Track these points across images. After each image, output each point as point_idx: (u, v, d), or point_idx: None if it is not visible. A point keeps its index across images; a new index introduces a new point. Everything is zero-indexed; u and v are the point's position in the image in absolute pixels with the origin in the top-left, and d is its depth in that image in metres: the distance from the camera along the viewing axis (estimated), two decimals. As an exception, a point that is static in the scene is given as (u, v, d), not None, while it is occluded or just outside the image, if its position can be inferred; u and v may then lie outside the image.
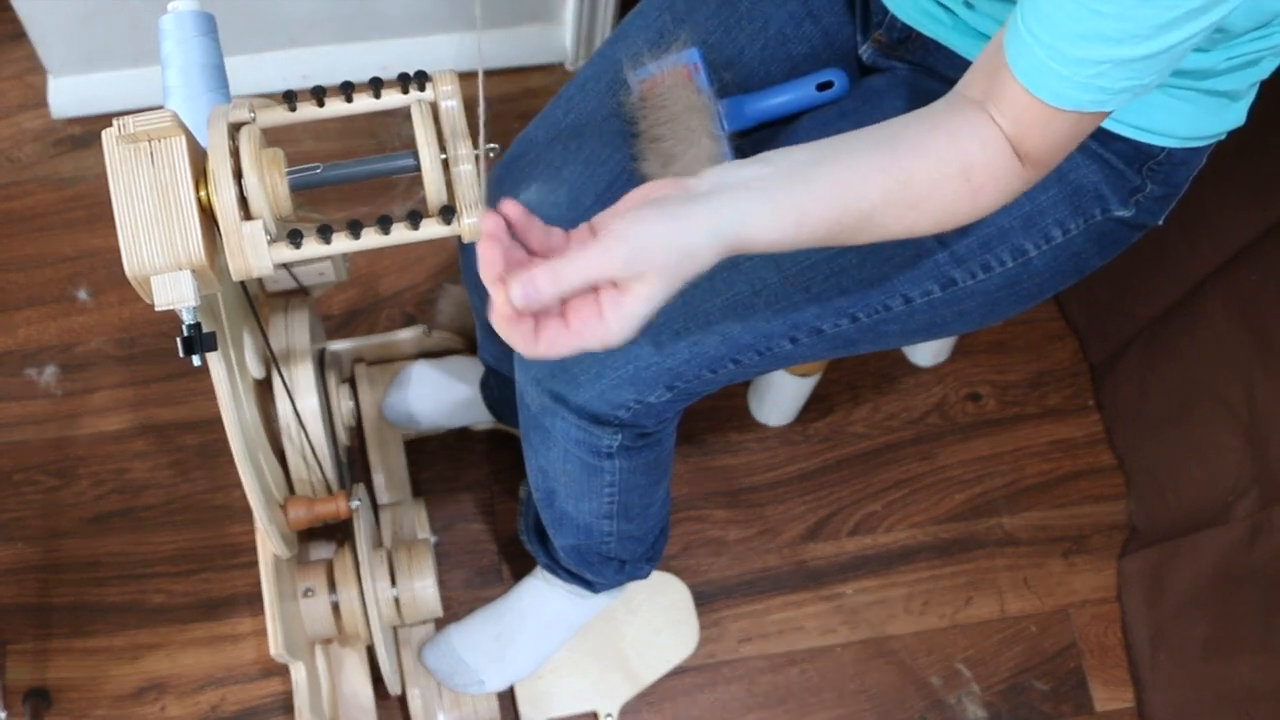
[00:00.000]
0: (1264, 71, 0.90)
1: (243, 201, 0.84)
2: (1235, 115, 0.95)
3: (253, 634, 1.55)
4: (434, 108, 0.88)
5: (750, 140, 1.09)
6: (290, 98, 0.88)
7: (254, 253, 0.83)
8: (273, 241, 0.84)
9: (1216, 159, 1.00)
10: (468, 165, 0.86)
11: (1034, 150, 0.80)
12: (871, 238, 0.82)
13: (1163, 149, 0.95)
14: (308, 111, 0.88)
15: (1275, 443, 1.35)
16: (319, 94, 0.88)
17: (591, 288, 0.73)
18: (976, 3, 0.94)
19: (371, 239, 0.86)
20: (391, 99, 0.89)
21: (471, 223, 0.86)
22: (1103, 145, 0.96)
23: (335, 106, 0.89)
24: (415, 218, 0.85)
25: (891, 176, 0.80)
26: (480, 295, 1.24)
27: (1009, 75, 0.77)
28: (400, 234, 0.86)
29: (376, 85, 0.89)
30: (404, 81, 0.88)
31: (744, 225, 0.76)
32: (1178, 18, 0.70)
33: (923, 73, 1.05)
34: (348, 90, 0.88)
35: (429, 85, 0.88)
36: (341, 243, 0.86)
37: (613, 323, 0.73)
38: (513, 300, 0.71)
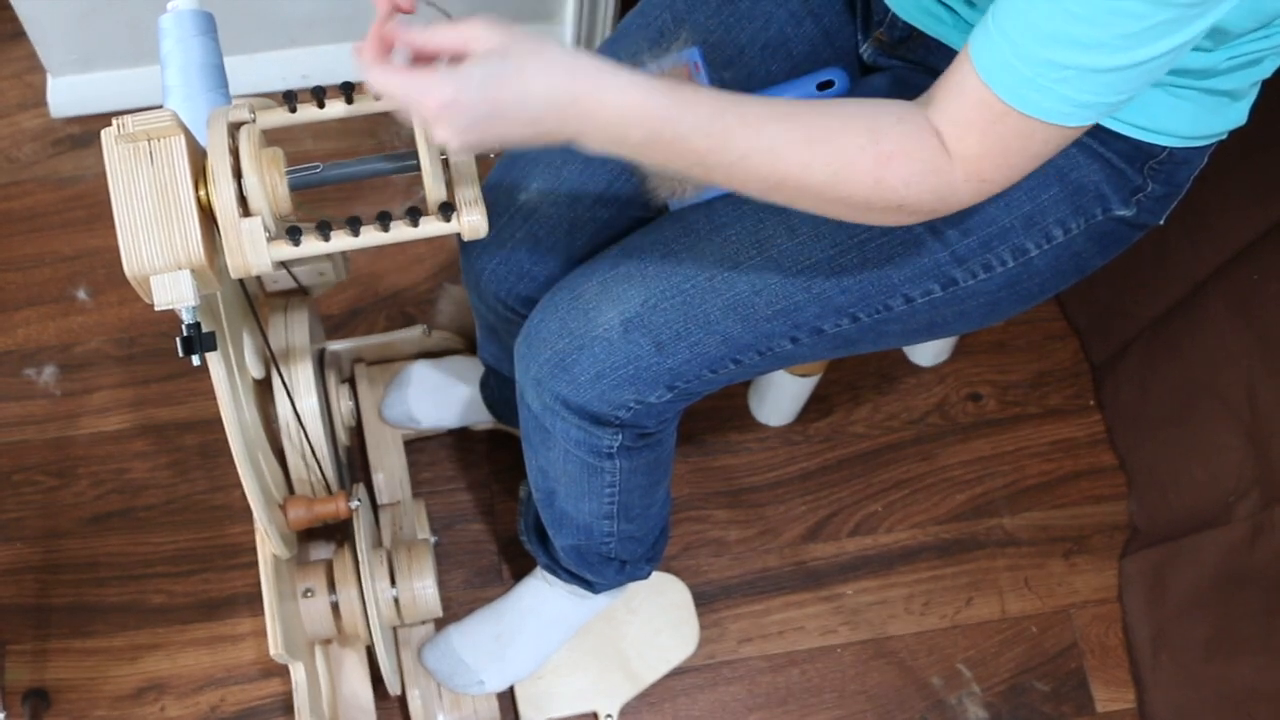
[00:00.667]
0: (1265, 71, 0.90)
1: (242, 201, 0.84)
2: (1237, 114, 0.94)
3: (252, 634, 1.54)
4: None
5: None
6: (290, 98, 0.88)
7: (253, 250, 0.83)
8: (272, 239, 0.84)
9: (1218, 158, 1.00)
10: (467, 164, 0.86)
11: (971, 154, 0.78)
12: (761, 162, 0.79)
13: (1164, 148, 0.94)
14: (308, 113, 0.88)
15: (1277, 443, 1.34)
16: (319, 95, 0.88)
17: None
18: (979, 1, 0.93)
19: (371, 236, 0.86)
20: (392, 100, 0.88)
21: (472, 220, 0.86)
22: (1103, 144, 0.96)
23: (335, 108, 0.89)
24: (415, 214, 0.85)
25: (787, 109, 0.79)
26: (479, 294, 1.23)
27: (968, 72, 0.76)
28: (400, 231, 0.86)
29: (377, 86, 0.88)
30: (404, 80, 0.88)
31: (612, 64, 0.76)
32: (1146, 29, 0.70)
33: (923, 72, 1.05)
34: (348, 91, 0.88)
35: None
36: (341, 240, 0.86)
37: (438, 76, 0.73)
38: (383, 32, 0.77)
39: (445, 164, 0.87)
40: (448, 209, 0.85)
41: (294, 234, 0.84)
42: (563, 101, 0.75)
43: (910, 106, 0.80)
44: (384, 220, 0.85)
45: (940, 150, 0.79)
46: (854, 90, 1.08)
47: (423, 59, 0.78)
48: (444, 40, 0.76)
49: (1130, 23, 0.70)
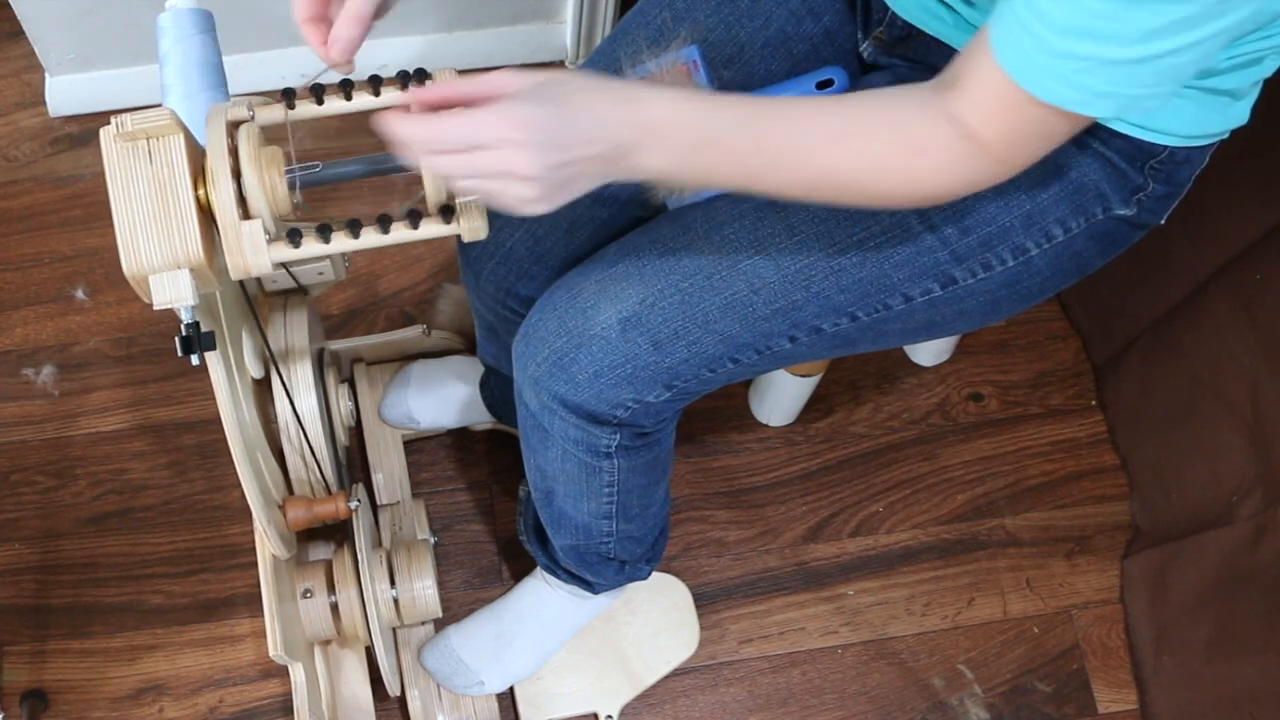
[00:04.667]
0: (1267, 70, 0.90)
1: (241, 200, 0.83)
2: (1238, 114, 0.94)
3: (251, 635, 1.54)
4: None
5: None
6: (289, 95, 0.87)
7: (253, 252, 0.83)
8: (272, 240, 0.84)
9: (1219, 157, 1.00)
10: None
11: (995, 138, 0.79)
12: (796, 161, 0.82)
13: (1165, 147, 0.94)
14: (307, 110, 0.88)
15: (1279, 443, 1.34)
16: (318, 92, 0.87)
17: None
18: (979, 0, 0.93)
19: (371, 238, 0.86)
20: (391, 96, 0.88)
21: (472, 222, 0.85)
22: (1104, 143, 0.95)
23: (334, 104, 0.88)
24: (415, 217, 0.84)
25: (817, 106, 0.82)
26: (478, 294, 1.23)
27: (986, 61, 0.77)
28: (400, 233, 0.85)
29: (376, 83, 0.88)
30: (404, 79, 0.88)
31: (639, 90, 0.80)
32: (1166, 25, 0.70)
33: (923, 70, 1.05)
34: (347, 88, 0.88)
35: (428, 83, 0.88)
36: (341, 242, 0.85)
37: (494, 109, 0.74)
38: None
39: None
40: (448, 211, 0.85)
41: (294, 236, 0.84)
42: (611, 117, 0.78)
43: (928, 95, 0.82)
44: (384, 223, 0.85)
45: (963, 136, 0.80)
46: (854, 89, 1.08)
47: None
48: (472, 89, 0.76)
49: (1149, 18, 0.70)
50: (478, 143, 0.74)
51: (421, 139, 0.75)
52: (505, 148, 0.74)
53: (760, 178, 0.84)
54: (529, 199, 0.77)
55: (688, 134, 0.81)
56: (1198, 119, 0.93)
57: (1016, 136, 0.79)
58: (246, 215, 0.83)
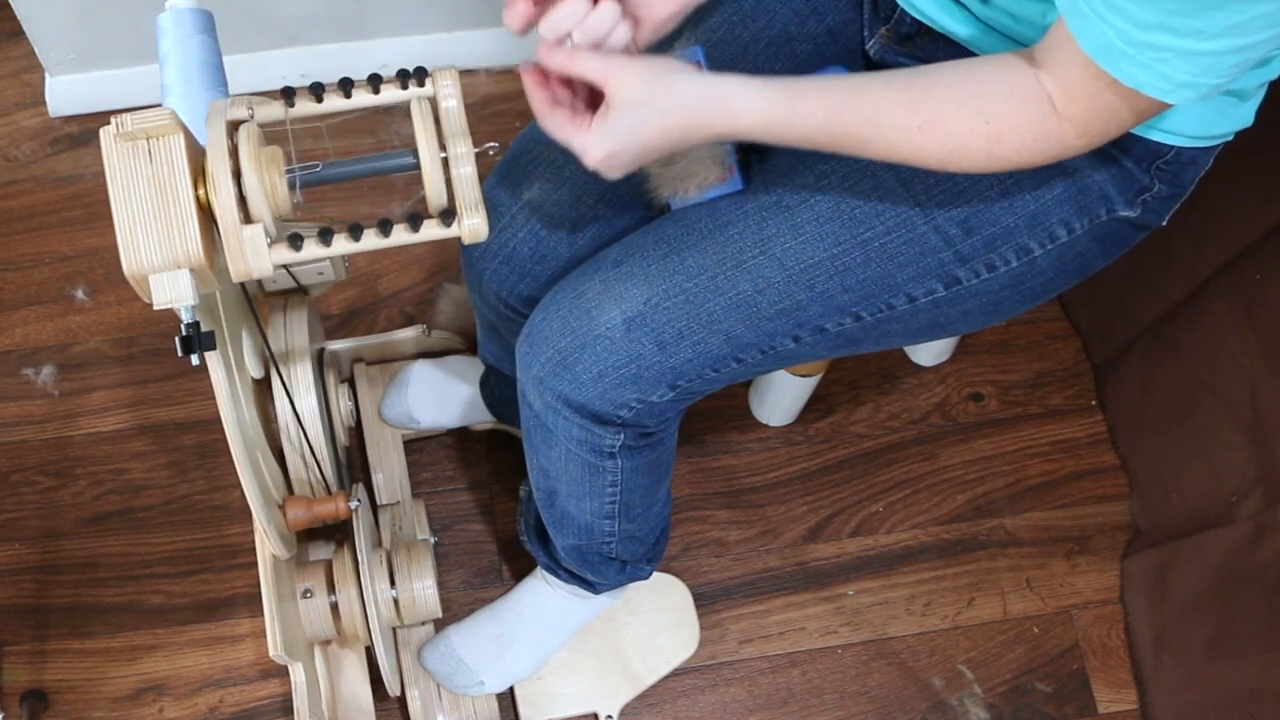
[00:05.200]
0: (1273, 72, 0.90)
1: (241, 201, 0.83)
2: (1244, 115, 0.94)
3: (251, 635, 1.54)
4: (433, 105, 0.88)
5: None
6: (289, 94, 0.87)
7: (254, 256, 0.83)
8: (273, 243, 0.84)
9: (1221, 159, 1.00)
10: (467, 168, 0.85)
11: (1080, 115, 0.82)
12: (879, 147, 0.87)
13: (1171, 148, 0.94)
14: (306, 108, 0.88)
15: (1279, 443, 1.34)
16: (317, 90, 0.87)
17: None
18: None
19: (371, 241, 0.85)
20: (390, 94, 0.88)
21: (471, 224, 0.85)
22: (1112, 144, 0.95)
23: (334, 102, 0.88)
24: (415, 220, 0.84)
25: (900, 96, 0.86)
26: (480, 294, 1.23)
27: (1071, 46, 0.79)
28: (400, 236, 0.85)
29: (375, 81, 0.88)
30: (403, 78, 0.88)
31: (731, 84, 0.86)
32: (1248, 21, 0.72)
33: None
34: (346, 87, 0.88)
35: (428, 81, 0.88)
36: (341, 245, 0.85)
37: (594, 127, 0.86)
38: (538, 53, 0.87)
39: (445, 164, 0.86)
40: (448, 215, 0.85)
41: (295, 240, 0.84)
42: (699, 131, 0.87)
43: (1020, 72, 0.84)
44: (384, 226, 0.85)
45: (1050, 114, 0.83)
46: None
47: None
48: (588, 70, 0.86)
49: (1230, 16, 0.72)
50: (569, 146, 0.87)
51: (536, 110, 0.88)
52: (590, 161, 0.87)
53: (846, 153, 0.89)
54: (615, 178, 0.90)
55: (769, 137, 0.88)
56: (1205, 120, 0.93)
57: (1102, 114, 0.82)
58: (247, 217, 0.83)
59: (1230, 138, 0.96)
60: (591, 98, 0.91)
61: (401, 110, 0.91)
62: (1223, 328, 1.42)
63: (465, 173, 0.86)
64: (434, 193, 0.86)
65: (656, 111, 0.85)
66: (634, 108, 0.85)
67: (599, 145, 0.86)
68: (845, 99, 0.86)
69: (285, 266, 1.25)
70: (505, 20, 0.89)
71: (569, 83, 0.90)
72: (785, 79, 0.87)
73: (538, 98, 0.88)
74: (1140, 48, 0.75)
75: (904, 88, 0.86)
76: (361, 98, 0.88)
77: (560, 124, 0.87)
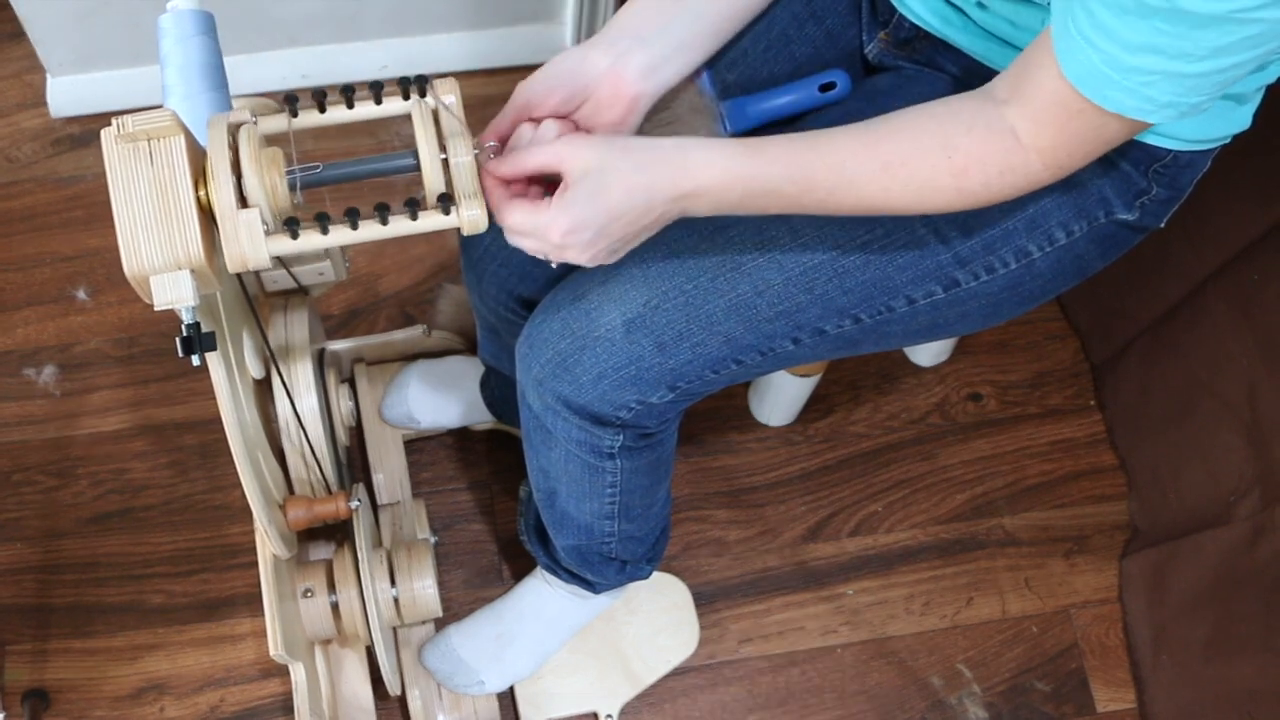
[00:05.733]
0: (1270, 75, 0.90)
1: (241, 198, 0.83)
2: (1241, 118, 0.95)
3: (252, 634, 1.54)
4: (434, 111, 0.88)
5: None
6: (291, 101, 0.88)
7: (250, 242, 0.83)
8: (270, 233, 0.84)
9: (1217, 160, 1.00)
10: (466, 158, 0.86)
11: (1048, 146, 0.82)
12: (846, 196, 0.87)
13: (1169, 151, 0.95)
14: (309, 119, 0.88)
15: (1277, 443, 1.34)
16: (320, 98, 0.88)
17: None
18: (989, 3, 0.93)
19: (370, 230, 0.86)
20: (393, 105, 0.89)
21: (470, 214, 0.85)
22: (1110, 148, 0.95)
23: (337, 113, 0.88)
24: (414, 207, 0.84)
25: (860, 139, 0.85)
26: (480, 295, 1.23)
27: (1046, 71, 0.79)
28: (399, 224, 0.85)
29: (377, 90, 0.88)
30: (404, 85, 0.88)
31: (692, 142, 0.86)
32: (1235, 42, 0.72)
33: (929, 72, 1.05)
34: (348, 94, 0.88)
35: (429, 90, 0.88)
36: (340, 234, 0.85)
37: (553, 208, 0.85)
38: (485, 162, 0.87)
39: (445, 165, 0.87)
40: (446, 200, 0.85)
41: (292, 224, 0.84)
42: (662, 191, 0.85)
43: (980, 108, 0.84)
44: (382, 213, 0.85)
45: (1015, 147, 0.83)
46: (857, 91, 1.08)
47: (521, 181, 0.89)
48: (540, 160, 0.86)
49: (1220, 37, 0.71)
50: (537, 237, 0.86)
51: (510, 223, 0.87)
52: (555, 249, 0.86)
53: (814, 210, 0.88)
54: (587, 264, 0.88)
55: (734, 193, 0.87)
56: (1204, 123, 0.93)
57: (1070, 143, 0.81)
58: (245, 206, 0.84)
59: (1228, 140, 0.96)
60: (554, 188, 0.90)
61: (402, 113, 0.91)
62: (1221, 328, 1.43)
63: (463, 162, 0.86)
64: (433, 189, 0.86)
65: (614, 173, 0.84)
66: (591, 175, 0.84)
67: (561, 219, 0.84)
68: (806, 146, 0.86)
69: (284, 264, 1.25)
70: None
71: (533, 183, 0.90)
72: (744, 139, 0.87)
73: (496, 195, 0.87)
74: (1127, 72, 0.75)
75: (864, 130, 0.86)
76: (364, 109, 0.88)
77: (519, 213, 0.86)
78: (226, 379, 0.97)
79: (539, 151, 0.86)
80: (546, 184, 0.90)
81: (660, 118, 1.03)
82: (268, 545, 1.17)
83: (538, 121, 0.92)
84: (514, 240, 0.88)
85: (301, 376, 1.25)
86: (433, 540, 1.44)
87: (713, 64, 1.07)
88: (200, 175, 0.84)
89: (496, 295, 1.20)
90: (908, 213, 0.88)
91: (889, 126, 0.86)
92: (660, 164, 0.85)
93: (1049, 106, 0.80)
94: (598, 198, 0.84)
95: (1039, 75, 0.79)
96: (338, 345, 1.61)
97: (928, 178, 0.85)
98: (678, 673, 1.54)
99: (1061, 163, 0.83)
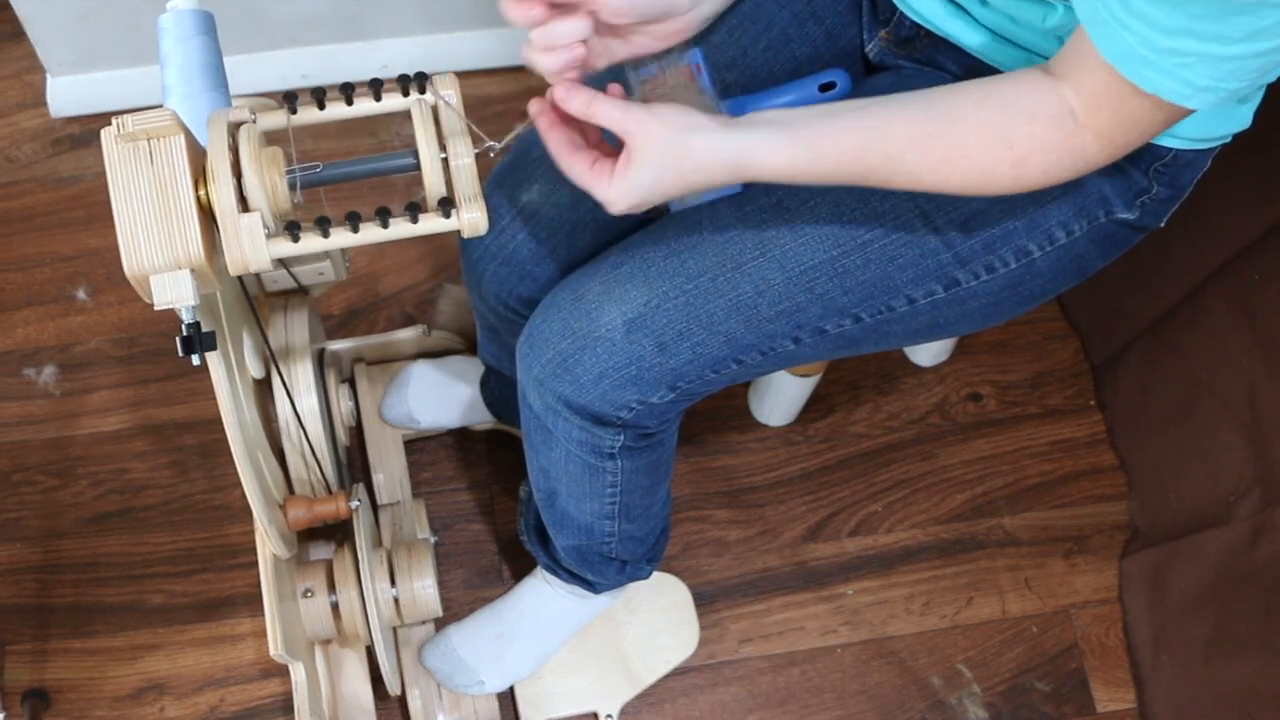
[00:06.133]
0: (1272, 75, 0.90)
1: (242, 200, 0.83)
2: (1242, 117, 0.95)
3: (252, 634, 1.54)
4: (434, 107, 0.88)
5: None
6: (290, 99, 0.88)
7: (251, 246, 0.83)
8: (271, 235, 0.84)
9: (1218, 159, 1.00)
10: (466, 159, 0.86)
11: (1104, 126, 0.82)
12: (905, 183, 0.87)
13: (1170, 150, 0.95)
14: (308, 115, 0.88)
15: (1277, 443, 1.34)
16: (319, 96, 0.88)
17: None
18: (993, 0, 0.93)
19: (371, 233, 0.86)
20: (392, 102, 0.89)
21: (470, 217, 0.85)
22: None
23: (336, 110, 0.88)
24: (414, 210, 0.85)
25: (921, 130, 0.85)
26: (480, 294, 1.23)
27: (1092, 55, 0.79)
28: (400, 228, 0.86)
29: (376, 87, 0.88)
30: (404, 83, 0.88)
31: (752, 141, 0.86)
32: (1269, 26, 0.72)
33: (930, 70, 1.05)
34: (348, 92, 0.88)
35: (429, 87, 0.88)
36: (341, 236, 0.85)
37: (615, 182, 0.87)
38: (555, 94, 0.87)
39: (445, 164, 0.87)
40: (447, 204, 0.85)
41: (292, 228, 0.84)
42: (720, 180, 0.88)
43: (1042, 89, 0.83)
44: (383, 217, 0.85)
45: (1074, 130, 0.83)
46: (857, 90, 1.08)
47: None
48: (608, 119, 0.86)
49: (1253, 21, 0.71)
50: (590, 192, 0.88)
51: (555, 153, 0.89)
52: (614, 211, 0.88)
53: (878, 179, 0.89)
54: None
55: (790, 181, 0.88)
56: (1205, 121, 0.93)
57: (1124, 125, 0.81)
58: (246, 211, 0.84)
59: (1228, 139, 0.96)
60: (599, 134, 0.91)
61: (402, 110, 0.91)
62: (1221, 328, 1.43)
63: (464, 164, 0.86)
64: (434, 188, 0.86)
65: (674, 173, 0.86)
66: (652, 167, 0.86)
67: (620, 202, 0.87)
68: (865, 140, 0.86)
69: (284, 264, 1.25)
70: (506, 11, 0.89)
71: (576, 121, 0.90)
72: (802, 121, 0.86)
73: (555, 139, 0.88)
74: (1162, 54, 0.75)
75: (925, 120, 0.85)
76: (364, 104, 0.88)
77: (582, 170, 0.88)
78: (226, 379, 0.97)
79: (609, 111, 0.86)
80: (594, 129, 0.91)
81: None
82: (268, 545, 1.17)
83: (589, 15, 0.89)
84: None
85: (301, 376, 1.25)
86: (433, 540, 1.44)
87: (712, 62, 1.07)
88: (200, 175, 0.84)
89: (497, 295, 1.20)
90: (960, 194, 0.88)
91: (950, 116, 0.85)
92: (720, 168, 0.87)
93: (1099, 89, 0.80)
94: (656, 188, 0.87)
95: (1087, 59, 0.80)
96: (338, 345, 1.61)
97: (987, 169, 0.85)
98: (678, 673, 1.54)
99: (1118, 142, 0.83)
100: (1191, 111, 0.80)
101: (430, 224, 0.86)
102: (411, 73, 0.89)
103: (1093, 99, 0.81)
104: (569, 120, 0.89)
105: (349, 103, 0.88)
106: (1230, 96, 0.77)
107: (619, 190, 0.87)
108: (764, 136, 0.86)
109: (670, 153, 0.85)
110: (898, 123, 0.86)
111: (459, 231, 0.87)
